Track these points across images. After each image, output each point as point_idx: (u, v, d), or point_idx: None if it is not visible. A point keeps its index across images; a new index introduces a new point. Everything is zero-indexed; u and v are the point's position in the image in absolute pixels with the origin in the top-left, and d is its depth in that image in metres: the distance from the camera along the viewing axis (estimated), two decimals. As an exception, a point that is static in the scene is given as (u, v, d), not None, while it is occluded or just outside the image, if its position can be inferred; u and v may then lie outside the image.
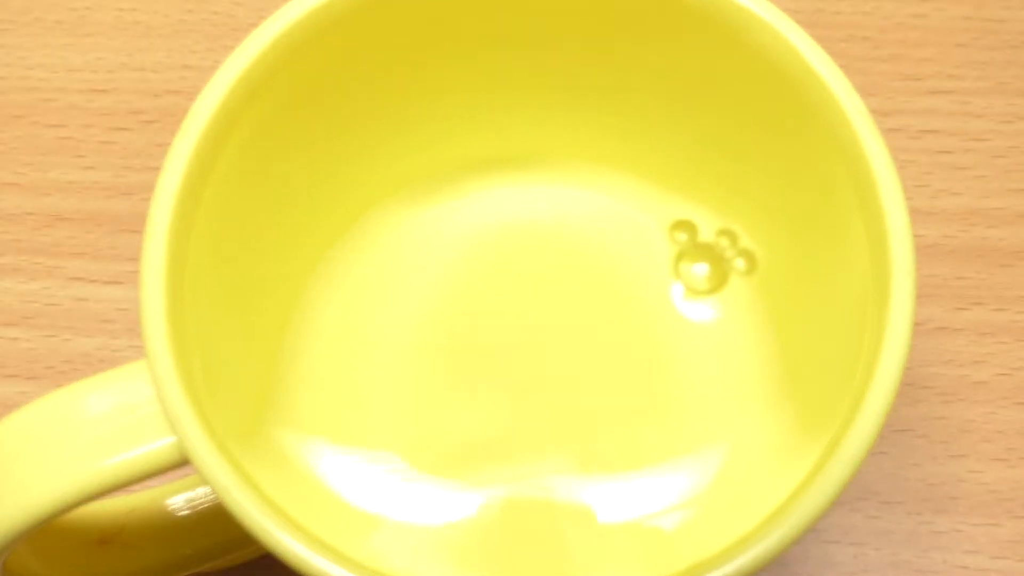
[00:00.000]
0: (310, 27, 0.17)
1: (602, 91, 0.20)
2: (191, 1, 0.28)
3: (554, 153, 0.21)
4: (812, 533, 0.22)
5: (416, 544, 0.18)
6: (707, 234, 0.20)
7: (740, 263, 0.20)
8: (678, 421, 0.19)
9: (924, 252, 0.24)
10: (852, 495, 0.22)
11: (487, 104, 0.20)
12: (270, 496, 0.15)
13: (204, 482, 0.15)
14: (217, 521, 0.19)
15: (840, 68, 0.16)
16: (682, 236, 0.20)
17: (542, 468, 0.19)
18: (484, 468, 0.19)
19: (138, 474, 0.15)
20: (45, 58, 0.27)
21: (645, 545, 0.18)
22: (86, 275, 0.25)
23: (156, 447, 0.15)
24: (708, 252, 0.20)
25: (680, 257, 0.20)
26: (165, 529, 0.19)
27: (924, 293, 0.24)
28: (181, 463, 0.15)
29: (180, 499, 0.19)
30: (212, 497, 0.19)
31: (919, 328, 0.23)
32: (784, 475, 0.16)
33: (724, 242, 0.20)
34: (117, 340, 0.24)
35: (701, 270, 0.20)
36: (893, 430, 0.23)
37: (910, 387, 0.23)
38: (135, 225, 0.25)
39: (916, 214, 0.24)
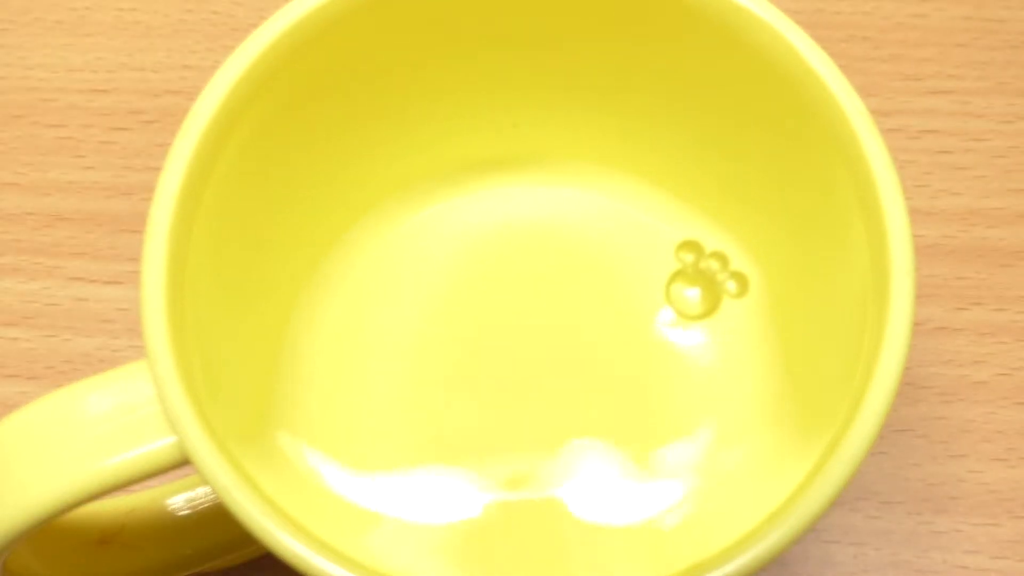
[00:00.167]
0: (310, 27, 0.17)
1: (602, 91, 0.20)
2: (191, 1, 0.28)
3: (554, 153, 0.21)
4: (812, 533, 0.22)
5: (416, 544, 0.18)
6: (706, 254, 0.20)
7: (731, 286, 0.20)
8: (678, 421, 0.19)
9: (924, 252, 0.24)
10: (852, 495, 0.22)
11: (487, 104, 0.20)
12: (270, 496, 0.15)
13: (204, 482, 0.15)
14: (217, 521, 0.19)
15: (840, 68, 0.16)
16: (688, 256, 0.20)
17: (542, 468, 0.19)
18: (484, 468, 0.19)
19: (138, 474, 0.15)
20: (45, 58, 0.27)
21: (645, 545, 0.18)
22: (86, 275, 0.25)
23: (156, 447, 0.15)
24: (700, 277, 0.20)
25: (673, 279, 0.20)
26: (165, 529, 0.19)
27: (924, 293, 0.24)
28: (181, 463, 0.15)
29: (180, 499, 0.19)
30: (212, 497, 0.19)
31: (919, 328, 0.23)
32: (784, 475, 0.16)
33: (715, 264, 0.20)
34: (117, 340, 0.24)
35: (693, 294, 0.20)
36: (893, 430, 0.23)
37: (910, 387, 0.23)
38: (135, 225, 0.25)
39: (916, 214, 0.24)
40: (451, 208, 0.21)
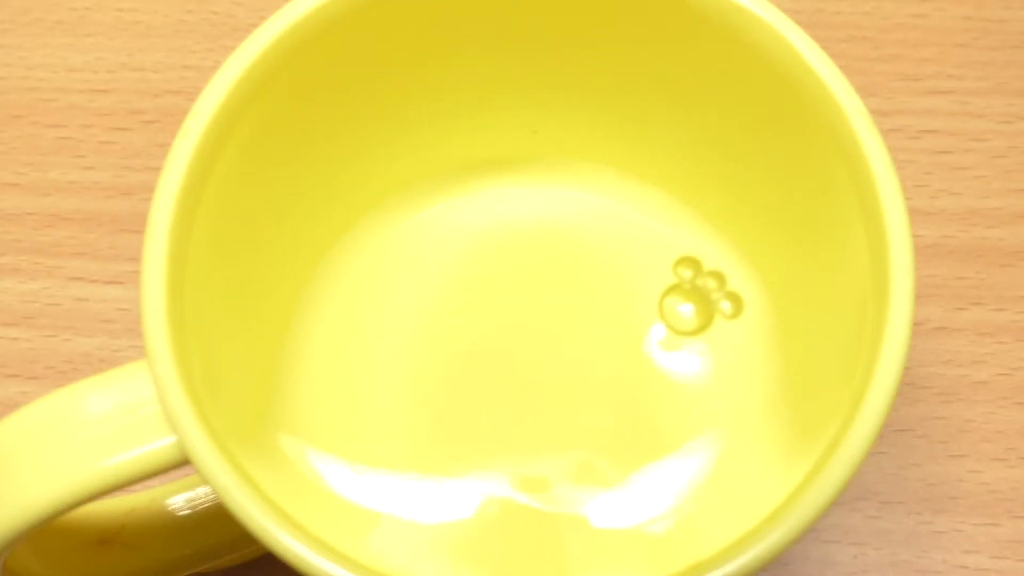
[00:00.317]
0: (310, 27, 0.17)
1: (602, 91, 0.20)
2: (191, 1, 0.28)
3: (554, 153, 0.21)
4: (812, 533, 0.22)
5: (416, 544, 0.18)
6: (704, 271, 0.20)
7: (726, 306, 0.20)
8: (677, 421, 0.19)
9: (924, 252, 0.24)
10: (852, 495, 0.22)
11: (487, 104, 0.20)
12: (270, 496, 0.15)
13: (204, 482, 0.15)
14: (217, 521, 0.19)
15: (840, 68, 0.16)
16: (686, 272, 0.20)
17: (541, 469, 0.19)
18: (483, 468, 0.19)
19: (138, 474, 0.15)
20: (45, 58, 0.27)
21: (644, 545, 0.18)
22: (86, 275, 0.25)
23: (156, 447, 0.15)
24: (695, 293, 0.20)
25: (667, 293, 0.20)
26: (165, 529, 0.19)
27: (924, 293, 0.24)
28: (181, 463, 0.15)
29: (180, 499, 0.19)
30: (212, 497, 0.19)
31: (919, 328, 0.23)
32: (784, 475, 0.16)
33: (712, 283, 0.20)
34: (117, 340, 0.24)
35: (686, 310, 0.20)
36: (893, 430, 0.23)
37: (910, 387, 0.23)
38: (135, 225, 0.25)
39: (916, 214, 0.24)
40: (451, 208, 0.21)
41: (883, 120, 0.25)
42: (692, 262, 0.20)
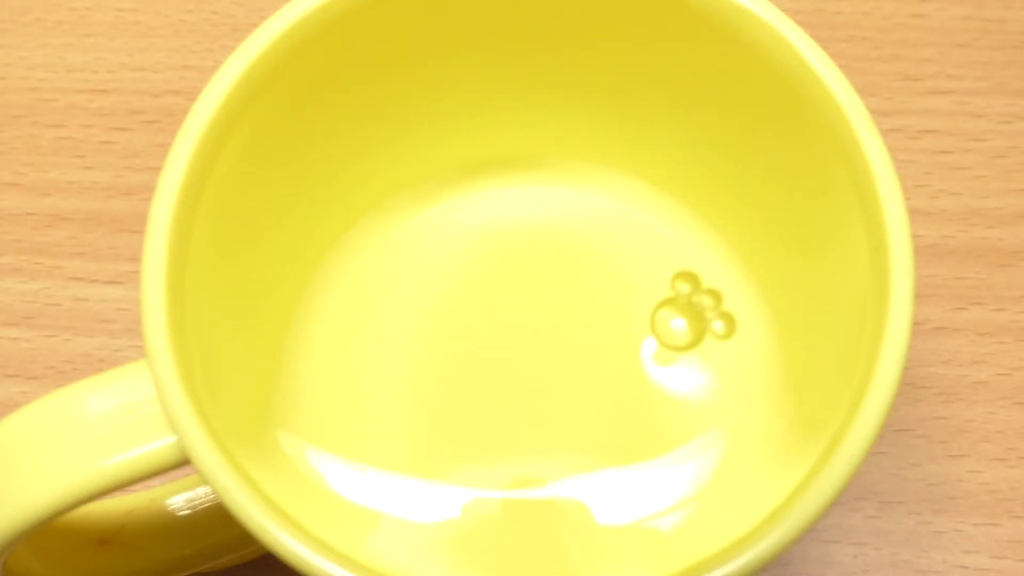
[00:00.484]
0: (310, 27, 0.17)
1: (602, 91, 0.20)
2: (191, 1, 0.28)
3: (554, 153, 0.21)
4: (812, 533, 0.22)
5: (415, 544, 0.18)
6: (701, 288, 0.20)
7: (719, 326, 0.20)
8: (677, 421, 0.19)
9: (924, 252, 0.24)
10: (852, 495, 0.22)
11: (487, 104, 0.20)
12: (270, 496, 0.15)
13: (204, 482, 0.15)
14: (217, 521, 0.19)
15: (840, 68, 0.16)
16: (684, 287, 0.20)
17: (541, 468, 0.19)
18: (483, 468, 0.19)
19: (138, 474, 0.15)
20: (45, 58, 0.27)
21: (645, 545, 0.18)
22: (86, 275, 0.25)
23: (156, 447, 0.15)
24: (689, 310, 0.20)
25: (662, 305, 0.20)
26: (165, 529, 0.19)
27: (923, 293, 0.24)
28: (181, 463, 0.15)
29: (180, 499, 0.19)
30: (212, 497, 0.19)
31: (918, 328, 0.23)
32: (784, 475, 0.16)
33: (708, 301, 0.20)
34: (117, 340, 0.24)
35: (678, 325, 0.20)
36: (893, 430, 0.23)
37: (910, 387, 0.23)
38: (135, 225, 0.25)
39: (916, 214, 0.24)
40: (451, 208, 0.21)
41: (883, 120, 0.25)
42: (691, 277, 0.20)
